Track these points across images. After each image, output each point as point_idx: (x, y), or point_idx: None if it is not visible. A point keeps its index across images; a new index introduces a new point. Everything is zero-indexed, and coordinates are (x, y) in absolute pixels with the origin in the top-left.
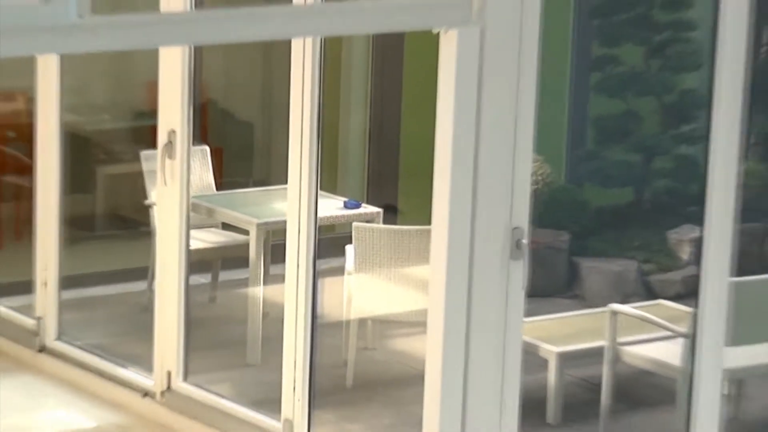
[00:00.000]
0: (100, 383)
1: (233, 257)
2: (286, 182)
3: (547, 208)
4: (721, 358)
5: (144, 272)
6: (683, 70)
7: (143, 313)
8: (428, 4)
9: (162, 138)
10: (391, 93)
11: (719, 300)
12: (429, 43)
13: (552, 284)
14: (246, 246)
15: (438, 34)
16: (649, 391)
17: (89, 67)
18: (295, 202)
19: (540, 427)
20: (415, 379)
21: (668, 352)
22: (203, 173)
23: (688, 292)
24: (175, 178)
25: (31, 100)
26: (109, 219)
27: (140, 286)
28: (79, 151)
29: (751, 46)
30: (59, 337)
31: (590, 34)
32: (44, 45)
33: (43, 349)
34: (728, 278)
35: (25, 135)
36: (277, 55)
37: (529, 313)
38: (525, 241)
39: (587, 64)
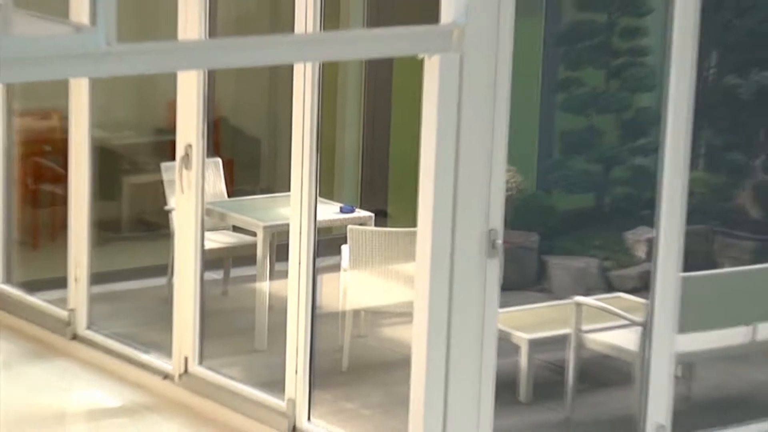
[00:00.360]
0: (125, 367)
1: (243, 256)
2: (289, 190)
3: (519, 212)
4: (672, 343)
5: (164, 269)
6: (638, 90)
7: (163, 305)
8: (414, 33)
9: (180, 151)
10: (381, 111)
11: (670, 292)
12: (415, 67)
13: (523, 279)
14: (254, 246)
15: (422, 59)
16: (609, 373)
17: (116, 89)
18: (297, 208)
19: (512, 405)
20: (403, 363)
21: (626, 339)
22: (216, 182)
23: (643, 286)
24: (191, 187)
25: (64, 118)
26: (133, 222)
27: (160, 281)
28: (107, 162)
29: (697, 69)
30: (89, 327)
31: (556, 59)
32: (76, 70)
33: (75, 337)
34: (678, 273)
35: (59, 149)
36: (281, 78)
37: (503, 304)
38: (499, 241)
39: (554, 86)
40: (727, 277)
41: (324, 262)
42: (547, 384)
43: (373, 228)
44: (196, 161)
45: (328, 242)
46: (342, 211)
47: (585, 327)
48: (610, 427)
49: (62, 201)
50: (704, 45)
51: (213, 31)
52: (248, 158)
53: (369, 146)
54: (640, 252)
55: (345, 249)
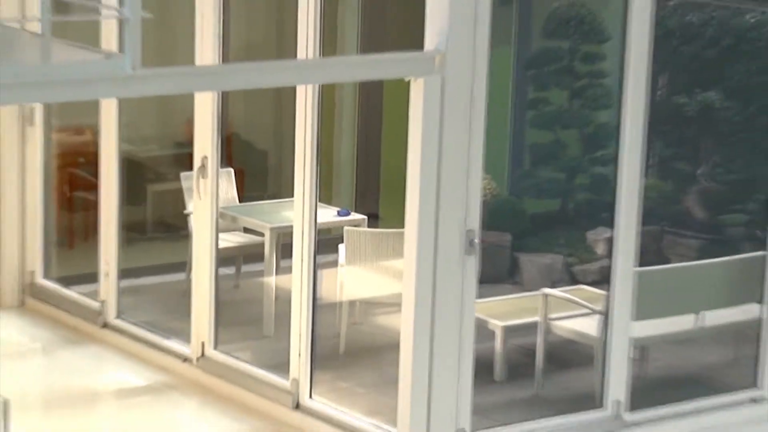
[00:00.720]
0: (150, 351)
1: (252, 254)
2: (293, 196)
3: (494, 215)
4: (629, 329)
5: (183, 266)
6: (598, 108)
7: (182, 297)
8: (401, 59)
9: (197, 162)
10: (373, 127)
11: (626, 285)
12: (402, 88)
13: (498, 273)
14: (262, 245)
15: (409, 81)
16: (573, 356)
17: (141, 108)
18: (300, 211)
19: (489, 384)
20: (393, 347)
21: (587, 326)
22: (229, 189)
23: (603, 279)
24: (207, 193)
25: (96, 133)
26: (156, 225)
27: (180, 276)
28: (133, 172)
29: (649, 89)
30: (118, 316)
31: (526, 81)
32: (106, 91)
33: (105, 326)
34: (633, 268)
35: (91, 161)
36: (285, 97)
37: (480, 295)
38: (477, 240)
39: (524, 104)
40: (676, 271)
41: (323, 259)
42: (519, 365)
43: (366, 229)
44: (211, 171)
45: (326, 242)
46: (339, 214)
47: (552, 315)
48: (575, 403)
49: (94, 206)
50: (655, 68)
51: (225, 56)
52: (257, 168)
53: (363, 157)
54: (600, 249)
55: (342, 247)
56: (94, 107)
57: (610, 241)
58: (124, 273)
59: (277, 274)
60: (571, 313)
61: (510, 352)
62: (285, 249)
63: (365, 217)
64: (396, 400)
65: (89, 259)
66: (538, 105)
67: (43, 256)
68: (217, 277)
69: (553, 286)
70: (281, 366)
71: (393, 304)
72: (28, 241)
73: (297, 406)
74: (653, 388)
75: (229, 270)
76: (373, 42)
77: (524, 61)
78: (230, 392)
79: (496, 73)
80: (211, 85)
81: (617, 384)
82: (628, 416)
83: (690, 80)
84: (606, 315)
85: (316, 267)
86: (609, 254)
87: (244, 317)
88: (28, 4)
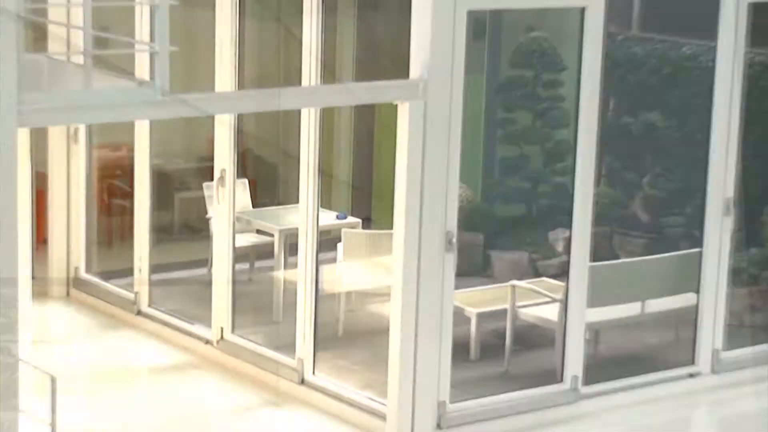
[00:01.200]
0: (177, 335)
1: (264, 252)
2: (298, 202)
3: (469, 218)
4: (584, 315)
5: (205, 262)
6: (557, 127)
7: (205, 288)
8: (390, 85)
9: (216, 174)
10: (366, 143)
11: (582, 277)
12: (391, 110)
13: (472, 268)
14: (272, 244)
15: (397, 105)
16: (536, 338)
17: (169, 127)
18: (304, 216)
19: (465, 362)
20: (383, 331)
21: (549, 312)
22: (244, 197)
23: (562, 273)
24: (225, 200)
25: (131, 149)
26: (182, 227)
27: (202, 271)
28: (163, 182)
29: (600, 111)
30: (150, 305)
31: (496, 104)
32: (139, 114)
33: (139, 313)
34: (587, 263)
35: (127, 173)
36: (292, 118)
37: (457, 286)
38: (454, 240)
39: (494, 124)
40: (624, 265)
41: (324, 256)
42: (491, 346)
43: (361, 230)
44: (228, 181)
45: (327, 241)
46: (337, 218)
47: (519, 303)
48: (538, 378)
49: (129, 211)
50: (605, 93)
51: (241, 83)
52: (267, 179)
53: (357, 169)
54: (560, 247)
55: (340, 246)
56: (129, 127)
57: (568, 240)
58: (154, 268)
59: (285, 269)
60: (535, 302)
61: (483, 335)
62: (291, 248)
63: (360, 220)
64: (386, 376)
65: (125, 256)
66: (506, 125)
67: (86, 253)
68: (234, 272)
69: (519, 278)
70: (288, 347)
71: (383, 294)
72: (73, 241)
73: (302, 381)
74: (605, 365)
75: (244, 266)
76: (366, 70)
77: (494, 87)
78: (245, 369)
79: (471, 98)
80: (228, 109)
81: (574, 362)
82: (584, 389)
83: (635, 103)
84: (565, 303)
85: (318, 263)
86: (567, 251)
87: (257, 305)
88: (73, 39)
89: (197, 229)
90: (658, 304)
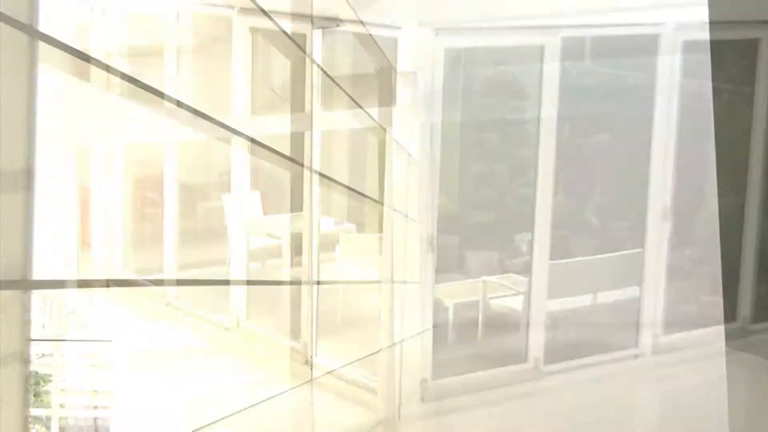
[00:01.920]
0: (199, 323)
1: (273, 252)
2: (302, 210)
3: (447, 224)
4: (544, 305)
5: (223, 261)
6: (521, 146)
7: (223, 284)
8: (381, 112)
9: (233, 186)
10: (360, 160)
11: (543, 273)
12: (380, 134)
13: (449, 265)
14: (280, 246)
15: (385, 128)
16: (505, 325)
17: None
18: (308, 221)
19: (444, 345)
20: (375, 318)
21: (515, 303)
22: (256, 206)
23: (526, 269)
24: (241, 209)
25: (161, 165)
26: (204, 232)
27: (222, 269)
28: (187, 194)
29: (556, 133)
30: (177, 298)
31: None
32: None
33: (167, 305)
34: (547, 261)
35: (158, 185)
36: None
37: (437, 281)
38: (434, 242)
39: (468, 144)
40: (579, 263)
41: (324, 255)
42: (466, 331)
43: (355, 234)
44: (243, 192)
45: (327, 243)
46: (335, 223)
47: (489, 296)
48: (506, 359)
49: (159, 219)
50: (562, 117)
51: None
52: (276, 190)
53: (353, 183)
54: (524, 248)
55: (338, 247)
56: (159, 145)
57: (531, 242)
58: (181, 266)
59: (291, 267)
60: (503, 294)
61: (459, 322)
62: (297, 249)
63: (354, 225)
64: (377, 357)
65: (156, 256)
66: (478, 145)
67: (122, 254)
68: (248, 270)
69: (490, 274)
70: (295, 332)
71: (374, 288)
72: (112, 243)
73: (306, 362)
74: (561, 347)
75: (258, 264)
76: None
77: (468, 112)
78: (259, 353)
79: (447, 124)
80: (242, 131)
81: (536, 344)
82: (545, 368)
83: (587, 126)
84: (528, 295)
85: (318, 261)
86: (531, 252)
87: (268, 297)
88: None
89: (217, 233)
90: (606, 296)
